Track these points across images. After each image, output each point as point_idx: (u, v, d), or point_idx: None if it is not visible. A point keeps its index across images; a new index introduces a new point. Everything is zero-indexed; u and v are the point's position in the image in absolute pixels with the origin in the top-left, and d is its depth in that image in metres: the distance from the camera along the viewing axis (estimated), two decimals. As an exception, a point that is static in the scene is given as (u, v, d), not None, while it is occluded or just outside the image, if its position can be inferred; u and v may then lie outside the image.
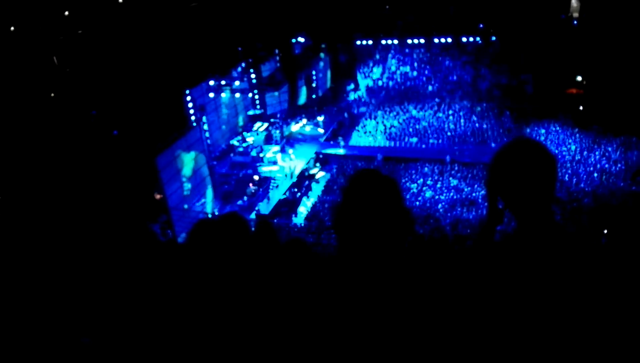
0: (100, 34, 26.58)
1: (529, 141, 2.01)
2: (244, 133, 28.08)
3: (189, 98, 23.73)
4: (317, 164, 27.16)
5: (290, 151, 26.78)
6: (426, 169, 25.11)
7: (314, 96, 32.40)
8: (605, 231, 17.01)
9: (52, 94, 25.33)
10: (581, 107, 28.11)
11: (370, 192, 1.91)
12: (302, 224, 21.70)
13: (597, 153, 24.39)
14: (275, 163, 25.70)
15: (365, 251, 1.90)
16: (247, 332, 2.11)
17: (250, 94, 28.34)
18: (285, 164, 25.93)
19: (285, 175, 25.21)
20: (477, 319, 1.99)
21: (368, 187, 1.92)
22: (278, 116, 29.25)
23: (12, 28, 24.19)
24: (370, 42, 33.46)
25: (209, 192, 23.62)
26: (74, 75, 26.03)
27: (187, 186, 21.73)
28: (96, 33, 26.63)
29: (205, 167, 23.40)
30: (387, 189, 1.92)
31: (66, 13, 26.07)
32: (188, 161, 21.87)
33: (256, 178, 24.49)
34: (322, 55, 33.04)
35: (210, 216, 21.79)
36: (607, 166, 23.28)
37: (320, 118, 29.85)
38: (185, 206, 21.33)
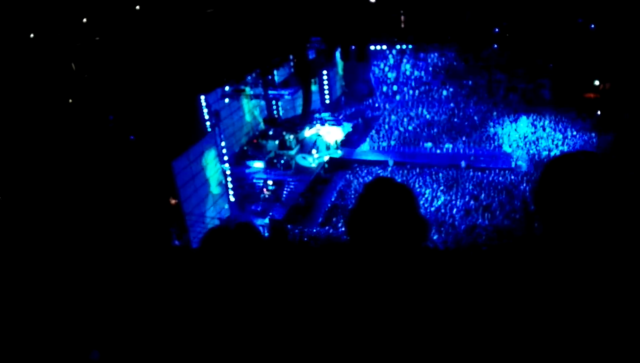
0: (117, 41, 26.95)
1: (593, 157, 1.86)
2: (259, 139, 28.17)
3: (204, 104, 23.91)
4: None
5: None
6: (441, 174, 24.88)
7: (327, 101, 32.39)
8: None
9: (70, 100, 25.72)
10: (599, 112, 27.72)
11: (383, 199, 1.93)
12: None
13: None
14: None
15: (377, 256, 1.92)
16: (254, 336, 2.12)
17: (264, 100, 28.44)
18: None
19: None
20: (484, 323, 1.96)
21: (382, 194, 1.94)
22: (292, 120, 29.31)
23: (32, 35, 24.67)
24: (384, 46, 33.38)
25: (223, 197, 23.72)
26: (91, 81, 26.42)
27: (202, 191, 21.84)
28: (113, 40, 27.02)
29: (219, 172, 23.52)
30: (400, 197, 1.94)
31: (84, 20, 26.51)
32: (203, 166, 22.02)
33: (270, 183, 24.55)
34: (336, 60, 33.06)
35: (224, 222, 21.86)
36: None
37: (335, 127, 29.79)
38: (200, 211, 21.44)
